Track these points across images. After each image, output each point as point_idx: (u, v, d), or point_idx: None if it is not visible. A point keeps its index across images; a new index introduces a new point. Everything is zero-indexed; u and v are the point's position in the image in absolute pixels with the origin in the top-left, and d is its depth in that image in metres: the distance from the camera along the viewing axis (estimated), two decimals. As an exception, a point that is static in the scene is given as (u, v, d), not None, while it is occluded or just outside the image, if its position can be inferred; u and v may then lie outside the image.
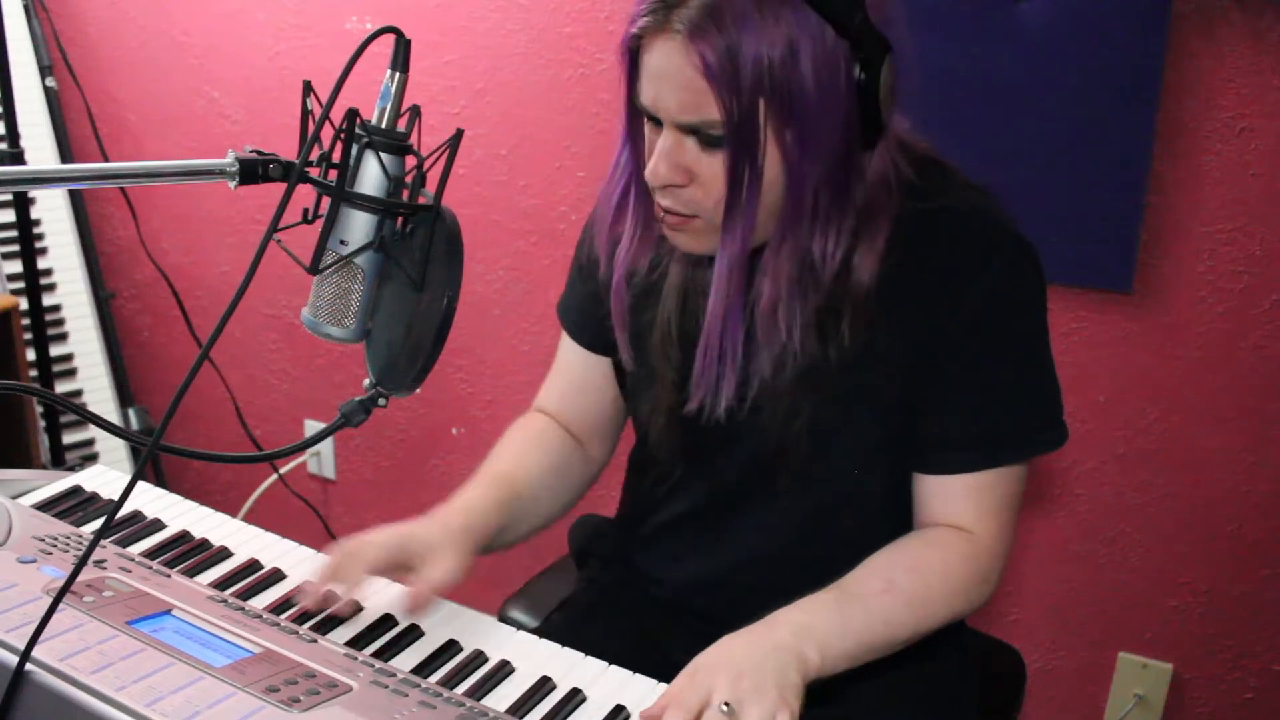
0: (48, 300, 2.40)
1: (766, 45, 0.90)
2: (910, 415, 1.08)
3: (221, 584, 1.07)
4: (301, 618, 1.02)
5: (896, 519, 1.14)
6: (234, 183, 0.82)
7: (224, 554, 1.12)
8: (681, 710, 0.89)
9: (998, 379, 1.07)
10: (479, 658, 1.00)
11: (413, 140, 0.87)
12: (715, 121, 0.94)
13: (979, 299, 1.04)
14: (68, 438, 2.43)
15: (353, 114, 0.84)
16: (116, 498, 0.81)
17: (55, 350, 2.41)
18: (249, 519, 1.27)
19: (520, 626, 1.07)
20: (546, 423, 1.30)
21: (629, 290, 1.16)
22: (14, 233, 2.25)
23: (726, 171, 0.96)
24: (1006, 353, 1.07)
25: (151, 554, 1.10)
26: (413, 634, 1.02)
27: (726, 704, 0.89)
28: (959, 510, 1.09)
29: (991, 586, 1.10)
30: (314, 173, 0.85)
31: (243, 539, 1.15)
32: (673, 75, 0.94)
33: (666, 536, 1.26)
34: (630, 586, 1.29)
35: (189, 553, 1.11)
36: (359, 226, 0.86)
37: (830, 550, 1.09)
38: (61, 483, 1.22)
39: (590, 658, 1.02)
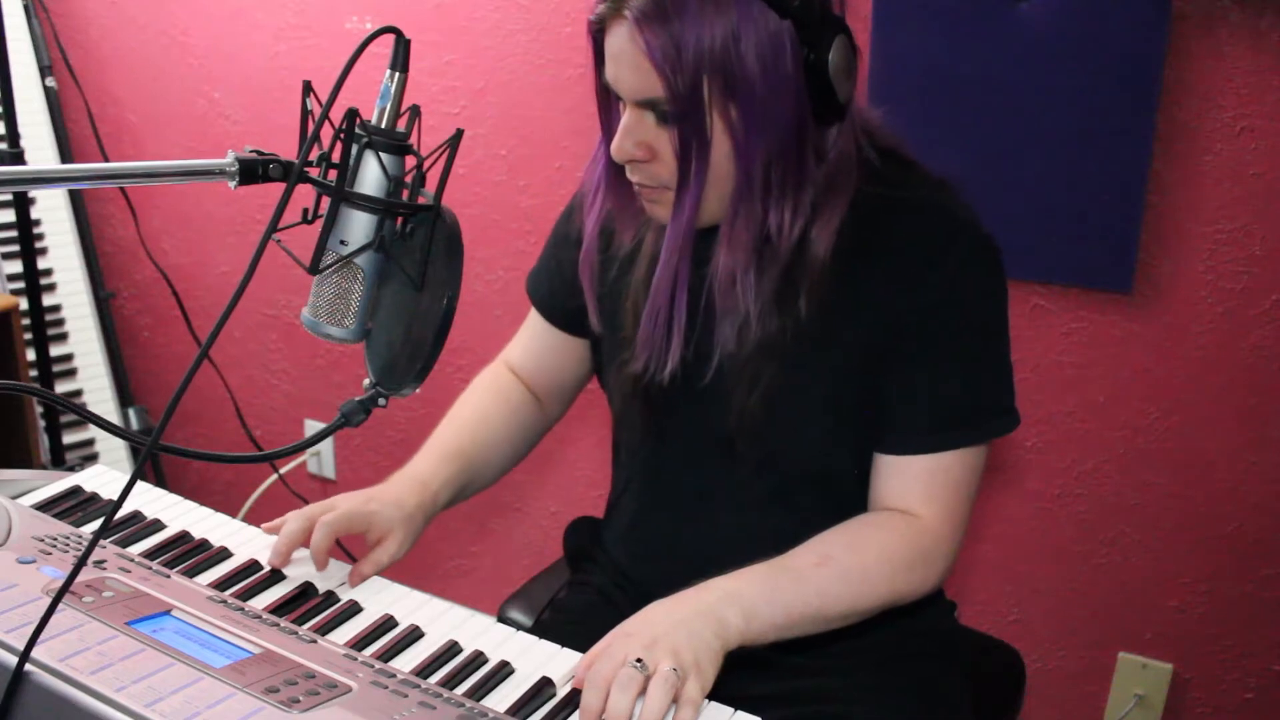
0: (48, 300, 2.40)
1: (708, 29, 0.96)
2: (867, 395, 1.10)
3: (221, 584, 1.07)
4: (301, 618, 1.02)
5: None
6: (234, 183, 0.82)
7: (224, 554, 1.12)
8: (596, 684, 0.91)
9: (951, 365, 1.09)
10: (479, 658, 1.00)
11: (413, 140, 0.87)
12: (664, 99, 0.99)
13: (934, 291, 1.06)
14: (68, 438, 2.43)
15: (352, 114, 0.84)
16: (116, 498, 0.81)
17: (55, 350, 2.41)
18: (249, 519, 1.27)
19: (519, 627, 1.07)
20: (510, 383, 1.38)
21: (613, 260, 1.20)
22: (14, 233, 2.25)
23: (677, 146, 1.01)
24: (961, 342, 1.09)
25: (151, 554, 1.10)
26: (413, 635, 1.02)
27: (639, 660, 0.91)
28: (908, 492, 1.10)
29: (937, 570, 1.11)
30: (314, 173, 0.85)
31: (243, 539, 1.15)
32: (625, 57, 1.00)
33: (640, 534, 1.27)
34: (618, 587, 1.30)
35: (189, 553, 1.11)
36: (359, 226, 0.86)
37: (803, 540, 1.09)
38: (61, 483, 1.22)
39: (590, 658, 1.01)
